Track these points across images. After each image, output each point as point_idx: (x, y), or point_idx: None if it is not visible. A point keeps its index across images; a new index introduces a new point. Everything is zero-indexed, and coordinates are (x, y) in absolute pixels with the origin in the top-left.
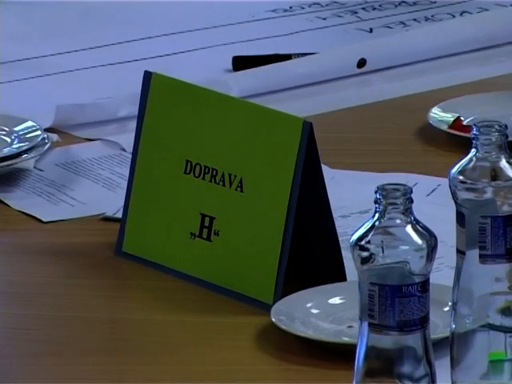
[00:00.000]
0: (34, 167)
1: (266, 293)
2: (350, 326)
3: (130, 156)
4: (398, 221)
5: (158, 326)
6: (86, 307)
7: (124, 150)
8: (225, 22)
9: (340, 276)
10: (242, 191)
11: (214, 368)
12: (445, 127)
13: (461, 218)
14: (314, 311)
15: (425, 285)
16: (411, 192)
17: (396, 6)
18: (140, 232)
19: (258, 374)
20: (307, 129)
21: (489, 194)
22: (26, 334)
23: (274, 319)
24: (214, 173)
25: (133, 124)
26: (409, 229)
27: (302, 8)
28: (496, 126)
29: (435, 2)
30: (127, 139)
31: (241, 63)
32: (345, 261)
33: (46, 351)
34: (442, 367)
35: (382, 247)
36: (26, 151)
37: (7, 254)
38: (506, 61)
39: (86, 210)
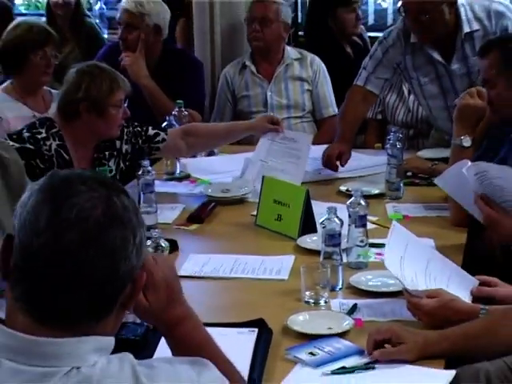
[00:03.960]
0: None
1: (294, 234)
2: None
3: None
4: (334, 218)
5: (262, 245)
6: (244, 245)
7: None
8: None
9: (315, 231)
10: (289, 207)
11: (271, 253)
12: (344, 190)
13: (350, 217)
14: (309, 240)
15: (340, 235)
16: (336, 209)
17: None
18: (262, 217)
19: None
20: (307, 192)
21: (357, 210)
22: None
23: (297, 243)
24: (282, 202)
25: (258, 185)
26: (336, 219)
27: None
28: (359, 192)
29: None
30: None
31: None
32: (318, 228)
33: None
34: (344, 255)
35: (329, 224)
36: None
37: (210, 223)
38: (374, 168)
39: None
